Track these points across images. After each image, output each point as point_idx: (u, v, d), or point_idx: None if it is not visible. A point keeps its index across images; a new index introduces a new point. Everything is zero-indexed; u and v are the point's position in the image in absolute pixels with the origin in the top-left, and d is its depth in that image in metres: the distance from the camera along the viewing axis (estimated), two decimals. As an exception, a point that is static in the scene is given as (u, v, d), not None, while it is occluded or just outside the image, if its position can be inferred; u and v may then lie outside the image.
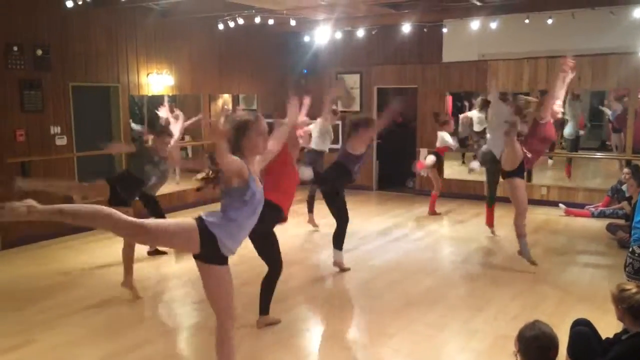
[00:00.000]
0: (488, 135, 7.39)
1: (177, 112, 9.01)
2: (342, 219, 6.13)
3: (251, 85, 11.00)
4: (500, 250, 7.05)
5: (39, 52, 7.36)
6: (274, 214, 4.50)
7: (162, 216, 6.85)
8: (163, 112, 7.97)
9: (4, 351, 4.35)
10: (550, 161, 12.27)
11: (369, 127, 5.95)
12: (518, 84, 9.78)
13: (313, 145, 7.74)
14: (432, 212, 8.91)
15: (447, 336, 4.62)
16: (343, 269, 6.18)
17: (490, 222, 7.66)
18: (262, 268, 4.72)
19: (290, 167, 4.83)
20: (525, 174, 6.10)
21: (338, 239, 6.15)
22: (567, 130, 10.87)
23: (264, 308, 4.74)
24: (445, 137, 8.71)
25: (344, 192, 6.22)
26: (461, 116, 10.94)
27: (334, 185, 6.06)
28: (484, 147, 7.37)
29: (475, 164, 7.89)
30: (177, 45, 9.37)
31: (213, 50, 10.03)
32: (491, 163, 7.07)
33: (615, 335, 3.52)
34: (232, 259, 3.28)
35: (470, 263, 6.66)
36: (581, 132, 11.27)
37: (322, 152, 7.91)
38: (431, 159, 8.74)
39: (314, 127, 7.74)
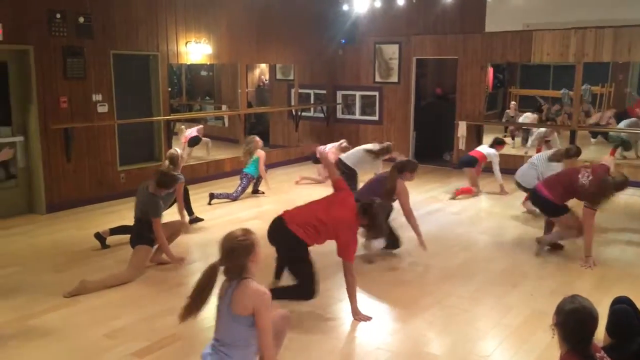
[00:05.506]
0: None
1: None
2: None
3: (289, 54, 10.93)
4: (537, 226, 6.89)
5: (81, 19, 7.45)
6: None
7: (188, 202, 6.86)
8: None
9: (45, 311, 4.51)
10: (593, 140, 11.92)
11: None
12: (564, 55, 9.45)
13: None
14: (455, 195, 8.39)
15: (481, 311, 4.59)
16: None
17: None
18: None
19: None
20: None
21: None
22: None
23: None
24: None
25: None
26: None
27: None
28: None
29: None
30: (216, 13, 9.35)
31: (251, 19, 9.97)
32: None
33: (657, 314, 3.43)
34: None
35: (506, 238, 6.57)
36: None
37: None
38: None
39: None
